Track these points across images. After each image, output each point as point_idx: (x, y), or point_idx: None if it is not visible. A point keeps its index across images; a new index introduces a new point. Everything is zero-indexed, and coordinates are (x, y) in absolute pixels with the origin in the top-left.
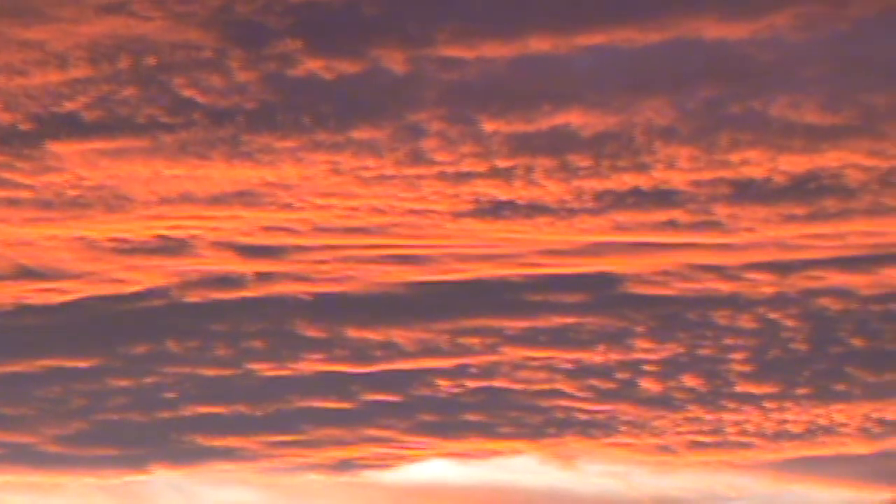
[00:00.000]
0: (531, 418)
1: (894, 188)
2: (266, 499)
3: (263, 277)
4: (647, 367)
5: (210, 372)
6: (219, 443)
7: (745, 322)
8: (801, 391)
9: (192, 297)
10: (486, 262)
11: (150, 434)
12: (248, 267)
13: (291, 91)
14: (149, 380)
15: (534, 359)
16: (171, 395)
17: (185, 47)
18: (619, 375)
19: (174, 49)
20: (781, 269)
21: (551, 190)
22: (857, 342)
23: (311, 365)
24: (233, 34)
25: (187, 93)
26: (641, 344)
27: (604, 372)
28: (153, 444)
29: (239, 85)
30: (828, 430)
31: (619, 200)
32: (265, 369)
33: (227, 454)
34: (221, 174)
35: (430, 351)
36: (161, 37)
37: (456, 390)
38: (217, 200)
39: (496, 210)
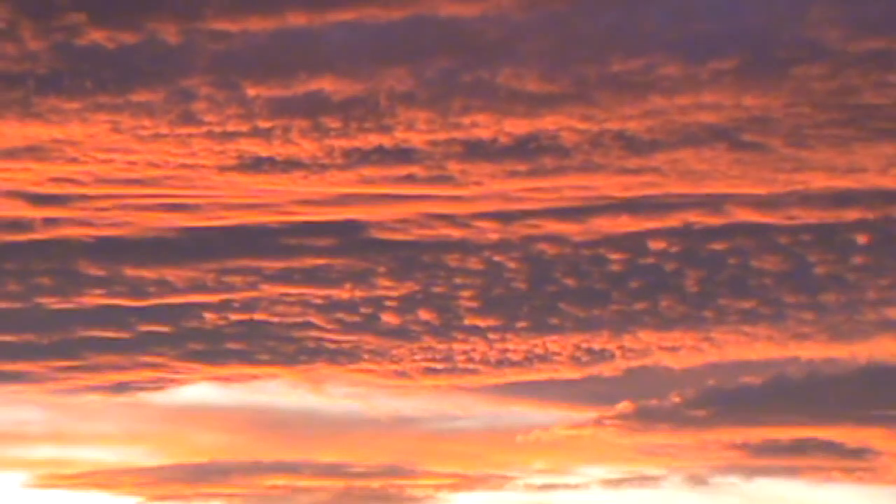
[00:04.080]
0: (286, 347)
1: (604, 148)
2: (51, 417)
3: (50, 222)
4: (387, 303)
5: (1, 305)
6: (9, 367)
7: (473, 264)
8: (520, 324)
9: None
10: (248, 210)
11: None
12: (37, 213)
13: (77, 58)
14: None
15: (289, 295)
16: None
17: None
18: (363, 310)
19: None
20: (505, 218)
21: (306, 148)
22: (569, 282)
23: (92, 299)
24: (24, 7)
25: None
26: (383, 282)
27: (350, 307)
28: None
29: (30, 53)
30: (543, 358)
31: (365, 157)
32: (51, 303)
33: (17, 377)
34: (14, 131)
35: (198, 288)
36: None
37: (220, 322)
38: (9, 154)
39: (257, 165)
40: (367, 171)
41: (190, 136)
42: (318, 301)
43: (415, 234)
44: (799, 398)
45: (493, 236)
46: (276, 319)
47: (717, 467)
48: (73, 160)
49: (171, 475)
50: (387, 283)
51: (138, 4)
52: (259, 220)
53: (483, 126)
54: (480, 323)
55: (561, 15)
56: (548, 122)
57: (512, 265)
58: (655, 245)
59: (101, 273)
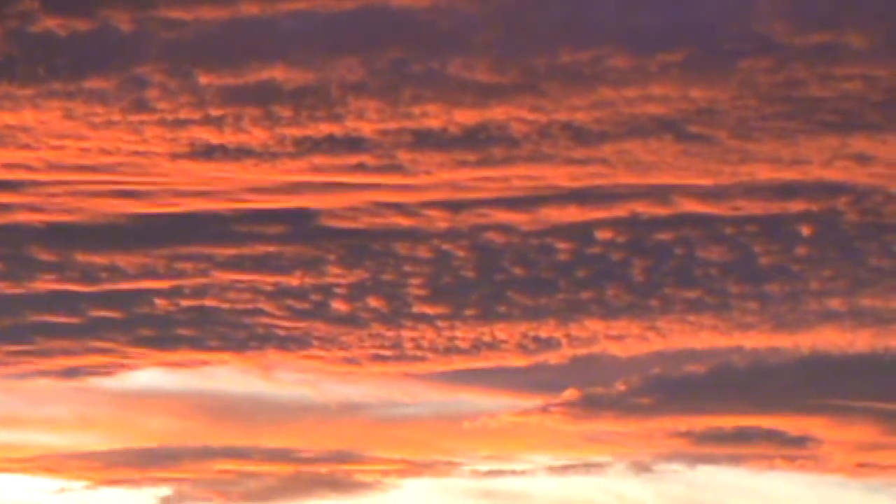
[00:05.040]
0: (236, 333)
1: (552, 139)
2: (3, 401)
3: (2, 208)
4: (337, 290)
5: None
6: None
7: (422, 252)
8: (468, 312)
9: None
10: (200, 197)
11: None
12: None
13: (30, 45)
14: None
15: (240, 282)
16: None
17: None
18: (314, 297)
19: None
20: (454, 207)
21: (257, 136)
22: (517, 271)
23: (44, 284)
24: None
25: None
26: (333, 270)
27: (300, 294)
28: None
29: None
30: (491, 346)
31: (316, 146)
32: (3, 288)
33: None
34: None
35: (149, 274)
36: None
37: (171, 308)
38: None
39: (209, 152)
40: (318, 160)
41: (142, 123)
42: (269, 288)
43: (364, 222)
44: (742, 387)
45: (442, 225)
46: (226, 306)
47: (662, 454)
48: (26, 146)
49: (121, 460)
50: (336, 270)
51: None
52: (210, 207)
53: (433, 116)
54: (429, 311)
55: (511, 6)
56: (497, 113)
57: (461, 254)
58: (602, 235)
59: (52, 258)
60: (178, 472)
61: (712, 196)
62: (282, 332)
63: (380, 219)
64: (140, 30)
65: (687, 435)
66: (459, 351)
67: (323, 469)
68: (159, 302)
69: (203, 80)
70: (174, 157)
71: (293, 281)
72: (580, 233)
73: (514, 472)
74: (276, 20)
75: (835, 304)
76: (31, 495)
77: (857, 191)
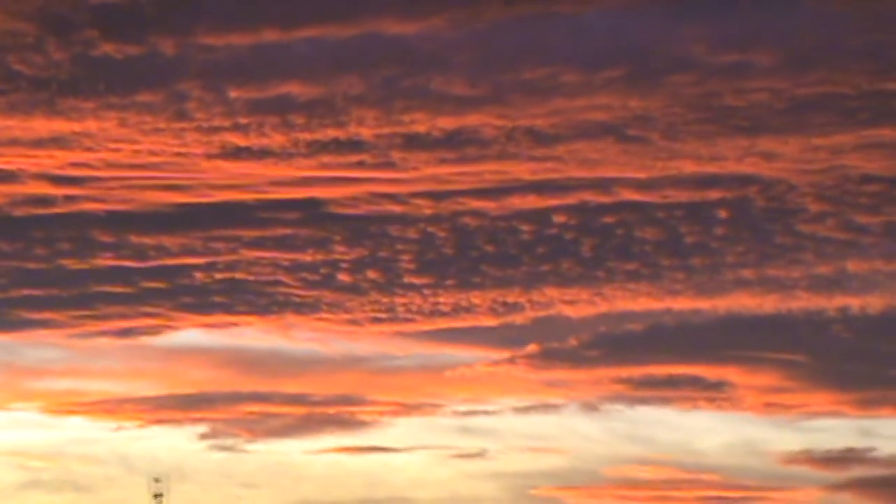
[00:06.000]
0: (260, 300)
1: (516, 141)
2: (69, 356)
3: (70, 199)
4: (342, 265)
5: (31, 265)
6: (35, 316)
7: (411, 233)
8: (449, 282)
9: (18, 212)
10: (230, 190)
11: None
12: (59, 191)
13: (91, 67)
14: None
15: (263, 258)
16: (2, 281)
17: (14, 34)
18: (323, 270)
19: (6, 35)
20: (436, 196)
21: (276, 139)
22: (488, 248)
23: (103, 261)
24: (49, 25)
25: (16, 67)
26: (338, 248)
27: (311, 268)
28: None
29: (54, 62)
30: (467, 310)
31: (324, 147)
32: (70, 264)
33: (42, 324)
34: (41, 125)
35: (189, 252)
36: None
37: (207, 280)
38: (37, 144)
39: (237, 153)
40: (326, 159)
41: (183, 129)
42: (286, 263)
43: (364, 209)
44: (672, 341)
45: (427, 211)
46: (252, 278)
47: (606, 397)
48: (89, 149)
49: (166, 403)
50: (341, 248)
51: (141, 23)
52: (238, 197)
53: (419, 122)
54: (417, 281)
55: (482, 33)
56: (472, 120)
57: (442, 234)
58: (558, 218)
59: (110, 240)
60: (213, 413)
61: (646, 186)
62: (297, 299)
63: (376, 206)
64: (181, 53)
65: (627, 381)
66: (442, 314)
67: (331, 410)
68: (197, 275)
69: (233, 94)
70: (209, 157)
71: (306, 257)
72: (539, 217)
73: (486, 412)
74: (292, 45)
75: (746, 274)
76: (93, 433)
77: (765, 182)
